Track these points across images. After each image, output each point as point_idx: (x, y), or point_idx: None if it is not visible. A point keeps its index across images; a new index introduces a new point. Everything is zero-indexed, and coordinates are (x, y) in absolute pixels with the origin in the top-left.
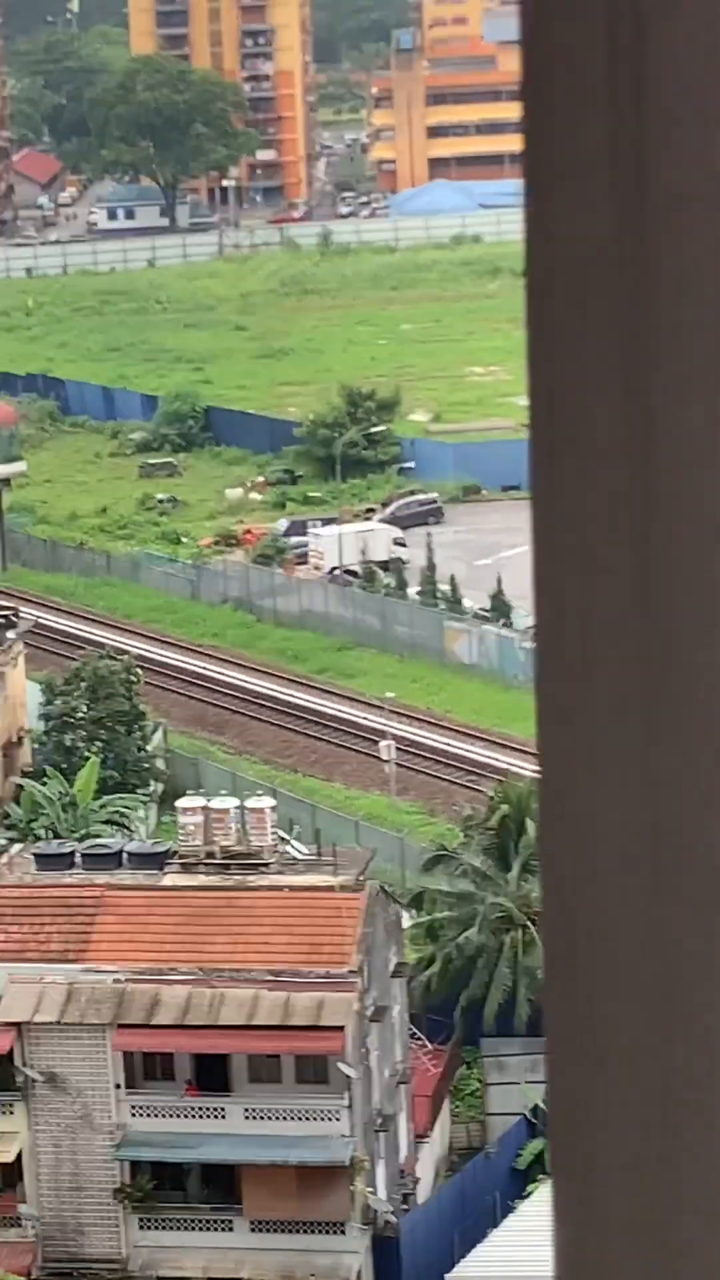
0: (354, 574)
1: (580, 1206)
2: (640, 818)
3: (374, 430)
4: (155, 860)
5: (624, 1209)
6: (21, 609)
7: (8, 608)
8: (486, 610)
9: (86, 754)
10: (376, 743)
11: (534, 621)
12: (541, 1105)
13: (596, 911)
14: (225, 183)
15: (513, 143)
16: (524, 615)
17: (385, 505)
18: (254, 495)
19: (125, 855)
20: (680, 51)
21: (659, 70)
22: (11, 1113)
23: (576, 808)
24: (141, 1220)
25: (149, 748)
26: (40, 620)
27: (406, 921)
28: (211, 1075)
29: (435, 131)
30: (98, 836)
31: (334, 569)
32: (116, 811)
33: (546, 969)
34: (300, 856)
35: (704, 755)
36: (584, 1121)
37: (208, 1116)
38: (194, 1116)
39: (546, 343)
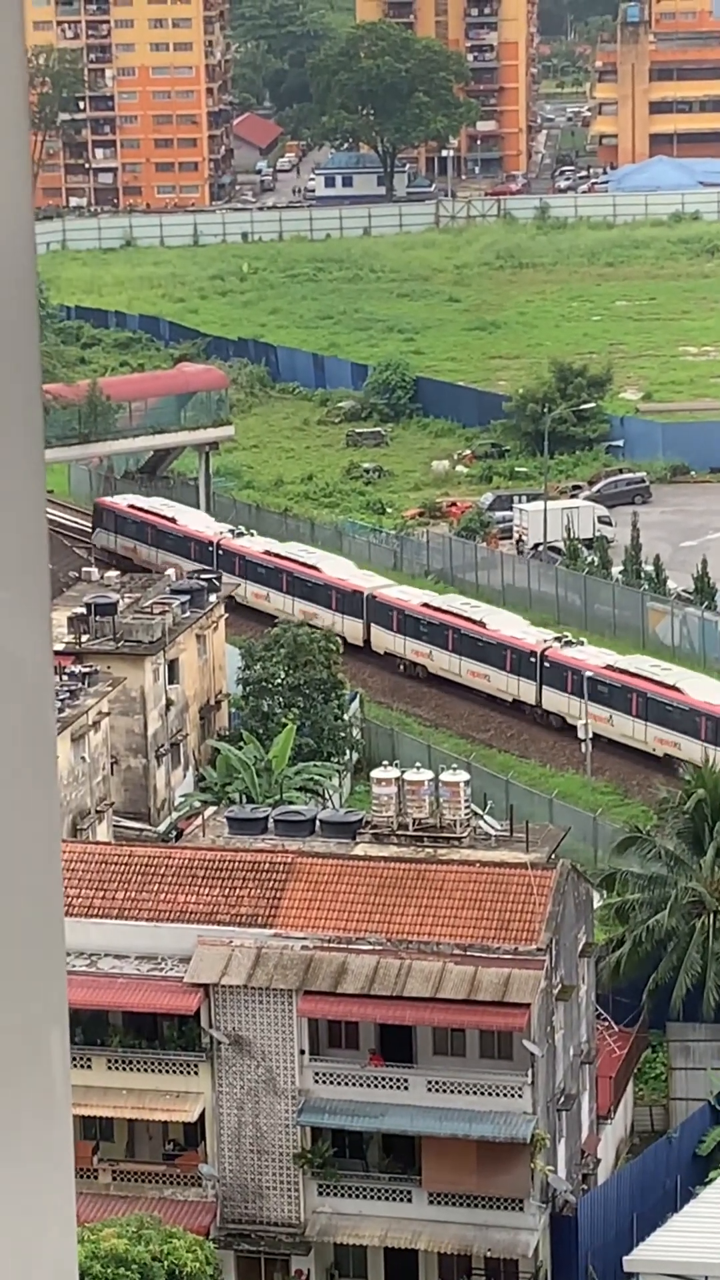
0: (558, 551)
1: None
2: None
3: (583, 407)
4: (348, 829)
5: None
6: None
7: (210, 572)
8: (690, 593)
9: (283, 720)
10: (572, 722)
11: None
12: None
13: None
14: (444, 153)
15: None
16: None
17: (592, 483)
18: (460, 468)
19: (318, 823)
20: None
21: None
22: (196, 1073)
23: None
24: (321, 1186)
25: (345, 717)
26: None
27: (597, 902)
28: (396, 1046)
29: (658, 107)
30: (291, 803)
31: (537, 545)
32: (311, 779)
33: None
34: (492, 832)
35: None
36: None
37: (391, 1087)
38: (377, 1086)
39: None
